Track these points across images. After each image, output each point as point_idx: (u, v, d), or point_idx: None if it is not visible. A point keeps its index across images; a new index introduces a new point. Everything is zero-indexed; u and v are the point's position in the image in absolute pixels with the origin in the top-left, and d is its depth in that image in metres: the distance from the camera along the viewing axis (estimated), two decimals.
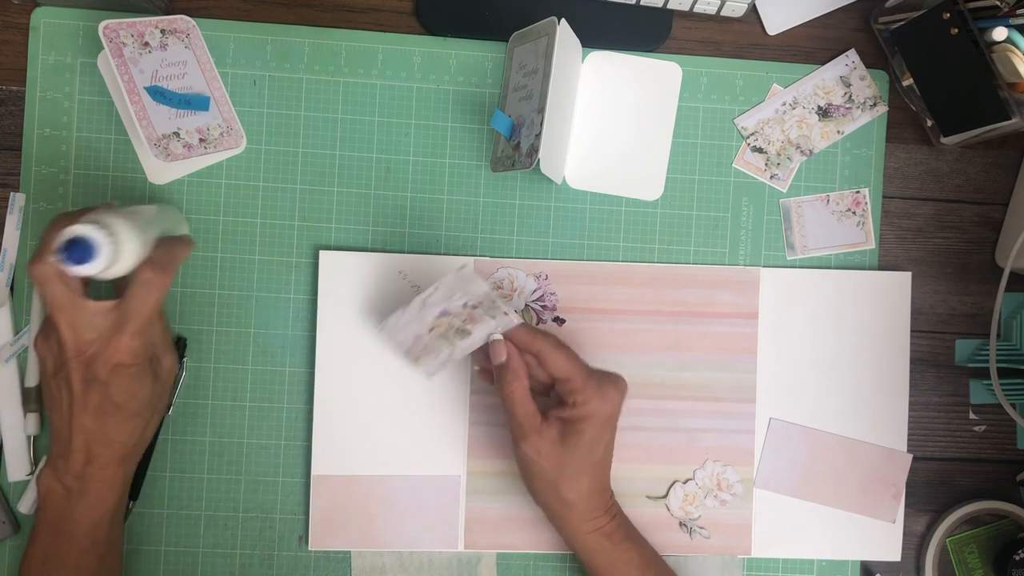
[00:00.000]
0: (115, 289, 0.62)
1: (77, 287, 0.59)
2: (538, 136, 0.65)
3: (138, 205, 0.66)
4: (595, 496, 0.65)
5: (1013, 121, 0.65)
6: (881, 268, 0.75)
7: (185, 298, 0.71)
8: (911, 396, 0.74)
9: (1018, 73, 0.64)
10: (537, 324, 0.72)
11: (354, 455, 0.71)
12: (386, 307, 0.70)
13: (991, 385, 0.71)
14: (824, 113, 0.74)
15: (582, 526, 0.65)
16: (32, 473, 0.69)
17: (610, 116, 0.73)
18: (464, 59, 0.73)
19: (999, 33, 0.64)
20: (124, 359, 0.59)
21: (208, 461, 0.71)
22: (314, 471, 0.70)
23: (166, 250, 0.61)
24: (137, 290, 0.59)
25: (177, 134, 0.67)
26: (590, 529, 0.65)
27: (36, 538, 0.62)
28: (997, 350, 0.71)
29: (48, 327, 0.61)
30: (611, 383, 0.63)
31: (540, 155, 0.65)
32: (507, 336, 0.64)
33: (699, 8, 0.71)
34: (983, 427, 0.76)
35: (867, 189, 0.74)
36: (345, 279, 0.71)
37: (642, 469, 0.73)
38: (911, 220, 0.76)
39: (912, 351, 0.74)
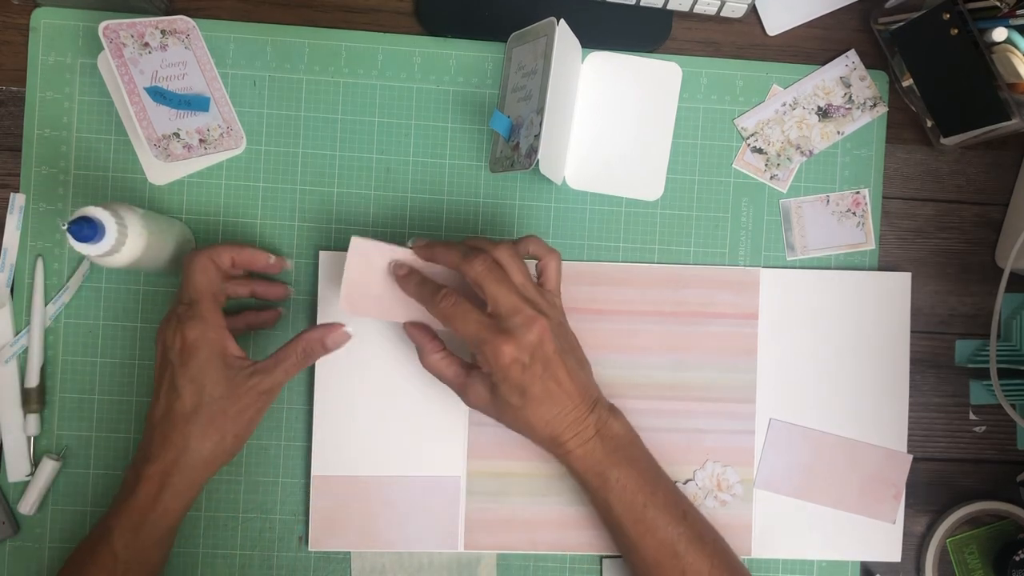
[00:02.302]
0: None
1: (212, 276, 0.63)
2: (537, 137, 0.65)
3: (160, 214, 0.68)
4: (567, 414, 0.63)
5: (1013, 122, 0.65)
6: (881, 269, 0.75)
7: None
8: (911, 397, 0.74)
9: (1018, 73, 0.64)
10: None
11: (354, 456, 0.71)
12: (396, 301, 0.70)
13: (991, 386, 0.70)
14: (824, 114, 0.74)
15: (566, 444, 0.64)
16: (31, 474, 0.69)
17: (610, 116, 0.73)
18: (464, 59, 0.73)
19: (999, 33, 0.64)
20: (188, 335, 0.61)
21: None
22: (314, 472, 0.70)
23: (241, 248, 0.66)
24: (184, 270, 0.64)
25: (177, 135, 0.67)
26: (573, 447, 0.64)
27: (96, 531, 0.62)
28: (997, 351, 0.70)
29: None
30: (499, 340, 0.61)
31: (539, 155, 0.65)
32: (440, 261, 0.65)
33: (699, 8, 0.71)
34: (983, 427, 0.76)
35: (867, 190, 0.74)
36: (352, 272, 0.71)
37: None
38: (911, 220, 0.76)
39: (912, 352, 0.74)
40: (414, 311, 0.66)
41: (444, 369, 0.65)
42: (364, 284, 0.66)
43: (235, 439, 0.63)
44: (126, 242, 0.58)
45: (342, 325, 0.65)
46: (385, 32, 0.73)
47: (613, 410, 0.66)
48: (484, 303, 0.62)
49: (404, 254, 0.66)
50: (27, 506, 0.68)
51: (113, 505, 0.62)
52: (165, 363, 0.62)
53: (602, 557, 0.72)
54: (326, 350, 0.65)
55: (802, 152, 0.74)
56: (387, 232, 0.72)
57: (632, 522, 0.64)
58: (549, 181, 0.71)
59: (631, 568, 0.66)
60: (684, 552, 0.63)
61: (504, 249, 0.63)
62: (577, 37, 0.70)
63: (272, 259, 0.67)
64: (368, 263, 0.66)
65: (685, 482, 0.73)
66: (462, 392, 0.65)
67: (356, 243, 0.65)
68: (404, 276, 0.65)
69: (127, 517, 0.61)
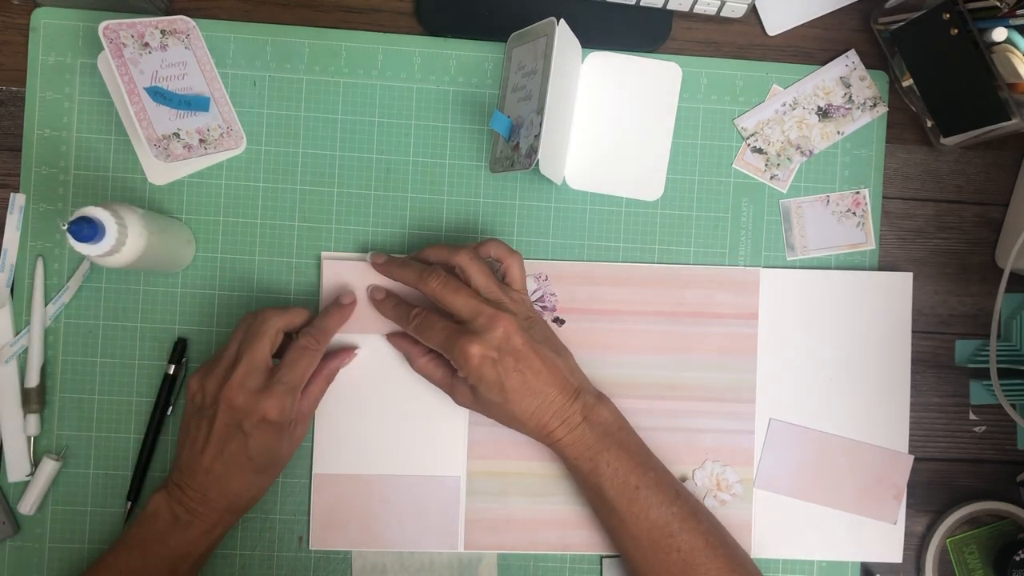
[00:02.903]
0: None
1: (274, 345, 0.65)
2: (537, 137, 0.65)
3: (157, 213, 0.68)
4: (551, 403, 0.64)
5: (1013, 122, 0.65)
6: (881, 269, 0.75)
7: (185, 298, 0.71)
8: (911, 396, 0.74)
9: (1018, 73, 0.64)
10: None
11: (354, 455, 0.71)
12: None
13: (991, 385, 0.70)
14: (824, 114, 0.74)
15: (554, 433, 0.65)
16: (31, 474, 0.69)
17: (610, 116, 0.73)
18: (464, 59, 0.73)
19: (999, 34, 0.64)
20: (272, 416, 0.63)
21: None
22: (316, 469, 0.70)
23: (323, 319, 0.67)
24: (294, 354, 0.65)
25: (177, 135, 0.67)
26: (562, 435, 0.65)
27: (121, 549, 0.63)
28: (997, 350, 0.70)
29: (207, 368, 0.64)
30: (465, 341, 0.62)
31: (539, 156, 0.65)
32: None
33: (699, 8, 0.71)
34: (983, 428, 0.76)
35: (867, 190, 0.74)
36: (346, 280, 0.71)
37: None
38: (911, 220, 0.76)
39: (912, 351, 0.74)
40: (389, 323, 0.70)
41: (432, 371, 0.67)
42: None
43: (276, 477, 0.68)
44: (126, 242, 0.58)
45: (352, 350, 0.70)
46: (385, 32, 0.73)
47: (600, 397, 0.67)
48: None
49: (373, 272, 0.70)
50: (27, 506, 0.68)
51: (149, 531, 0.63)
52: (234, 428, 0.63)
53: (602, 557, 0.72)
54: (338, 371, 0.70)
55: (802, 152, 0.74)
56: (387, 232, 0.72)
57: (626, 504, 0.64)
58: (549, 181, 0.71)
59: (625, 553, 0.66)
60: (679, 531, 0.64)
61: (464, 254, 0.65)
62: (577, 37, 0.70)
63: (354, 352, 0.71)
64: (342, 281, 0.70)
65: (684, 482, 0.72)
66: (450, 392, 0.67)
67: (328, 265, 0.70)
68: (381, 301, 0.69)
69: (180, 548, 0.63)
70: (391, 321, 0.69)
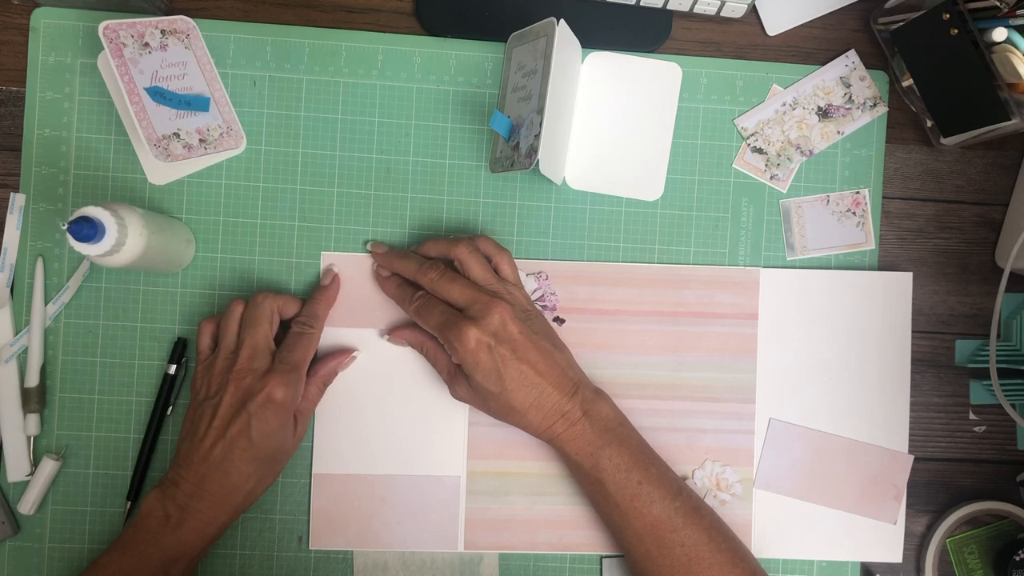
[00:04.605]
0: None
1: (273, 327, 0.66)
2: (537, 137, 0.65)
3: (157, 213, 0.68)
4: (549, 396, 0.64)
5: (1013, 122, 0.65)
6: (881, 268, 0.75)
7: (185, 298, 0.71)
8: (911, 397, 0.74)
9: (1018, 73, 0.64)
10: None
11: (354, 455, 0.71)
12: (387, 308, 0.71)
13: (991, 385, 0.70)
14: (824, 114, 0.74)
15: (554, 428, 0.65)
16: (31, 474, 0.69)
17: (610, 116, 0.73)
18: (464, 59, 0.73)
19: (999, 34, 0.64)
20: (277, 395, 0.63)
21: None
22: (315, 470, 0.70)
23: (311, 304, 0.68)
24: (291, 338, 0.66)
25: (177, 135, 0.67)
26: (562, 430, 0.65)
27: (115, 551, 0.63)
28: (997, 350, 0.71)
29: (209, 362, 0.66)
30: (462, 324, 0.63)
31: (539, 155, 0.65)
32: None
33: (699, 9, 0.71)
34: (983, 427, 0.76)
35: (867, 189, 0.74)
36: (346, 280, 0.71)
37: None
38: (911, 220, 0.76)
39: (912, 351, 0.74)
40: (388, 318, 0.70)
41: (439, 356, 0.68)
42: (342, 296, 0.71)
43: (275, 476, 0.67)
44: (126, 242, 0.58)
45: (351, 351, 0.70)
46: (385, 32, 0.73)
47: (599, 392, 0.67)
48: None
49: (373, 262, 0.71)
50: (27, 506, 0.68)
51: (142, 532, 0.62)
52: (239, 408, 0.63)
53: (602, 557, 0.72)
54: (337, 374, 0.71)
55: (802, 152, 0.74)
56: (387, 232, 0.72)
57: (628, 500, 0.64)
58: (549, 181, 0.71)
59: (628, 549, 0.66)
60: (682, 525, 0.64)
61: (463, 247, 0.66)
62: (577, 37, 0.70)
63: (353, 355, 0.71)
64: (334, 273, 0.71)
65: (684, 480, 0.72)
66: (450, 383, 0.67)
67: (326, 260, 0.71)
68: (386, 279, 0.70)
69: (173, 549, 0.62)
70: (391, 307, 0.70)
